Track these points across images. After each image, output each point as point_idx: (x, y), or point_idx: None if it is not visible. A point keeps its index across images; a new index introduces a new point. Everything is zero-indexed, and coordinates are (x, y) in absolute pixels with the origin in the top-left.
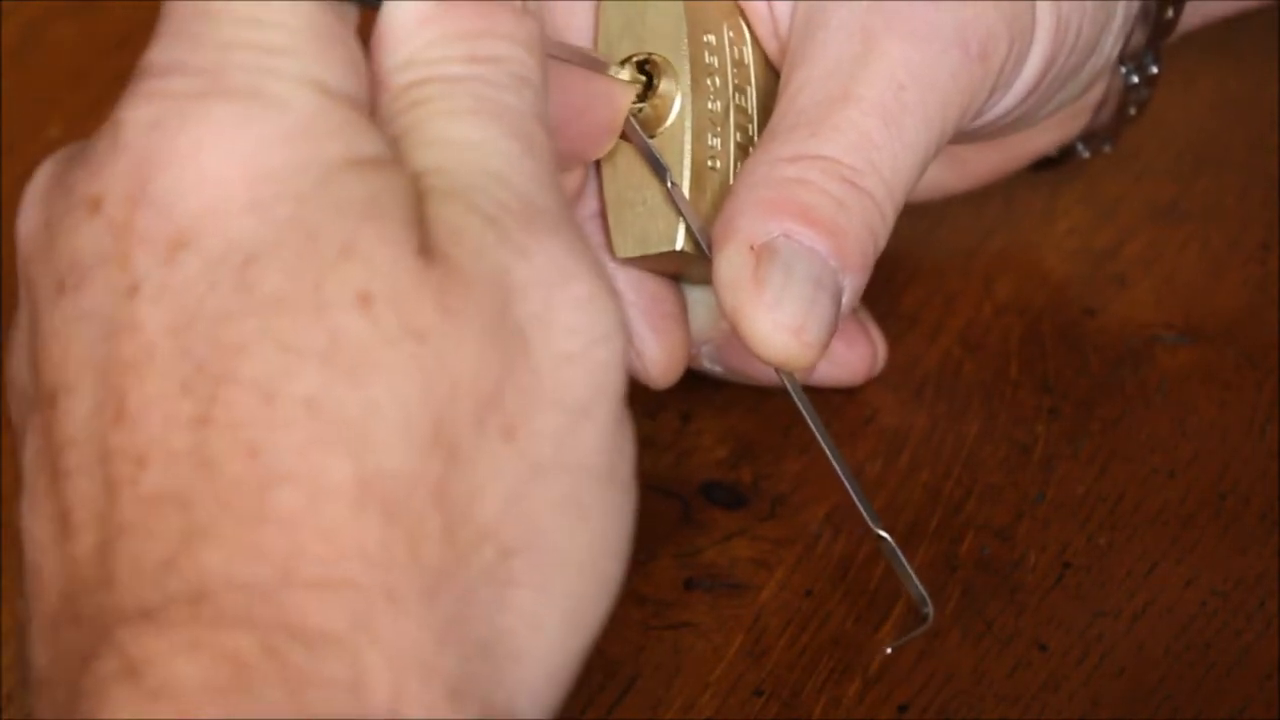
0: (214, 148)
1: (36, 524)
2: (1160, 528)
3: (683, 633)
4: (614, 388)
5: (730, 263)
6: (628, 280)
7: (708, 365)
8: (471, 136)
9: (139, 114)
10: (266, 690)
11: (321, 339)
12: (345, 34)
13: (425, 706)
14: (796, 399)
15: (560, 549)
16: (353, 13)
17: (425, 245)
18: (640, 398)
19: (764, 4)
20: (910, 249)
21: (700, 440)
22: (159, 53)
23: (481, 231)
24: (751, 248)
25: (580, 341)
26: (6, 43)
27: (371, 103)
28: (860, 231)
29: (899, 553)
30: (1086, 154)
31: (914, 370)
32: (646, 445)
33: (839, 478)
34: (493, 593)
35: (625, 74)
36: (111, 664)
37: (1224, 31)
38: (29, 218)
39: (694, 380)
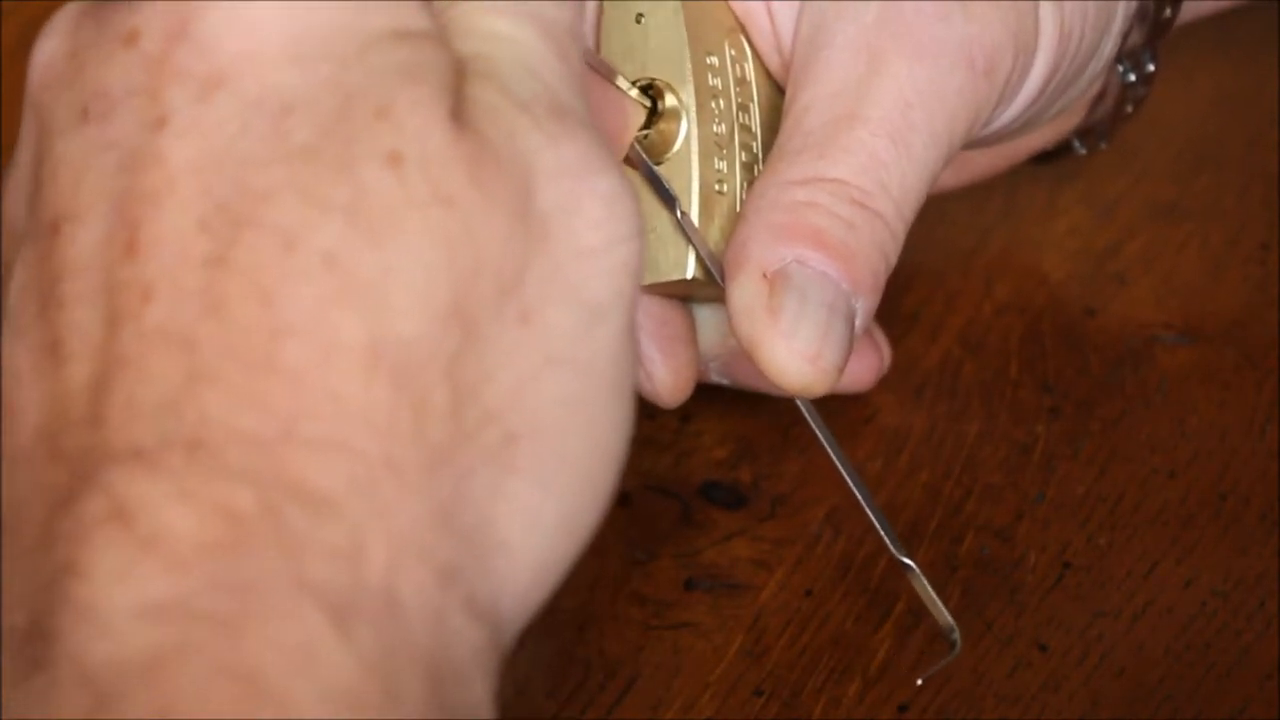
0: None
1: (18, 355)
2: (1160, 528)
3: (683, 633)
4: (629, 293)
5: (744, 291)
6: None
7: (715, 379)
8: (509, 32)
9: None
10: (262, 551)
11: (347, 194)
12: None
13: (417, 585)
14: (812, 422)
15: (563, 446)
16: None
17: (461, 118)
18: (640, 398)
19: (766, 20)
20: (910, 249)
21: (700, 440)
22: None
23: (515, 115)
24: (764, 275)
25: (602, 238)
26: (6, 43)
27: None
28: (871, 253)
29: (924, 581)
30: (1083, 150)
31: (914, 370)
32: (646, 445)
33: (861, 503)
34: (492, 478)
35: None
36: (97, 505)
37: (1223, 29)
38: (50, 47)
39: None
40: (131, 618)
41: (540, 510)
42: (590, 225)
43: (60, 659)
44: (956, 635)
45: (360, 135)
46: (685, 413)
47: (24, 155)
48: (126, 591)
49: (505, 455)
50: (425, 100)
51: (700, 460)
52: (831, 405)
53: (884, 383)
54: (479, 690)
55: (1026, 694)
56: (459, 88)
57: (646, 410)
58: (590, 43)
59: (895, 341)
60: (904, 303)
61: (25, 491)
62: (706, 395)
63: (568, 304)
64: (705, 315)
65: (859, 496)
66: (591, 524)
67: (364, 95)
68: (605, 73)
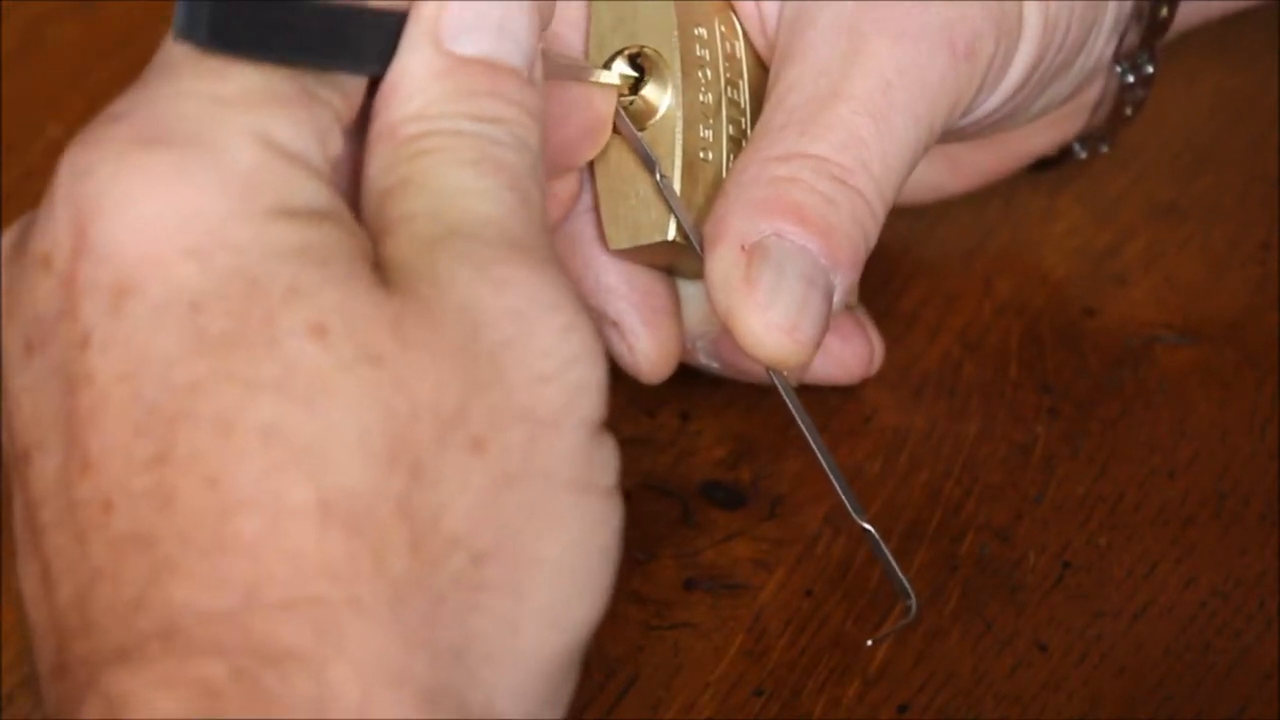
0: (148, 195)
1: (27, 581)
2: (1160, 528)
3: (683, 633)
4: (587, 403)
5: (722, 262)
6: (620, 274)
7: (704, 360)
8: (471, 185)
9: (75, 161)
10: (237, 712)
11: (276, 369)
12: (311, 100)
13: (396, 712)
14: (785, 395)
15: (533, 553)
16: (352, 86)
17: (382, 282)
18: (640, 397)
19: (751, 4)
20: (910, 249)
21: (700, 440)
22: (120, 102)
23: (453, 269)
24: (743, 247)
25: (554, 364)
26: (6, 43)
27: (369, 152)
28: (851, 229)
29: (882, 544)
30: (1084, 154)
31: (914, 370)
32: (646, 445)
33: (822, 465)
34: (464, 597)
35: (617, 67)
36: (95, 707)
37: (1224, 31)
38: None
39: (693, 379)
40: None
41: (521, 617)
42: (541, 354)
43: None
44: (913, 600)
45: (277, 313)
46: (685, 412)
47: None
48: None
49: (476, 575)
50: (333, 276)
51: (700, 460)
52: (830, 404)
53: (884, 383)
54: None
55: (1026, 694)
56: (386, 252)
57: (646, 409)
58: (581, 12)
59: (895, 341)
60: (904, 303)
61: (53, 704)
62: (706, 394)
63: (520, 425)
64: (691, 293)
65: (822, 460)
66: (588, 613)
67: (269, 278)
68: (571, 72)
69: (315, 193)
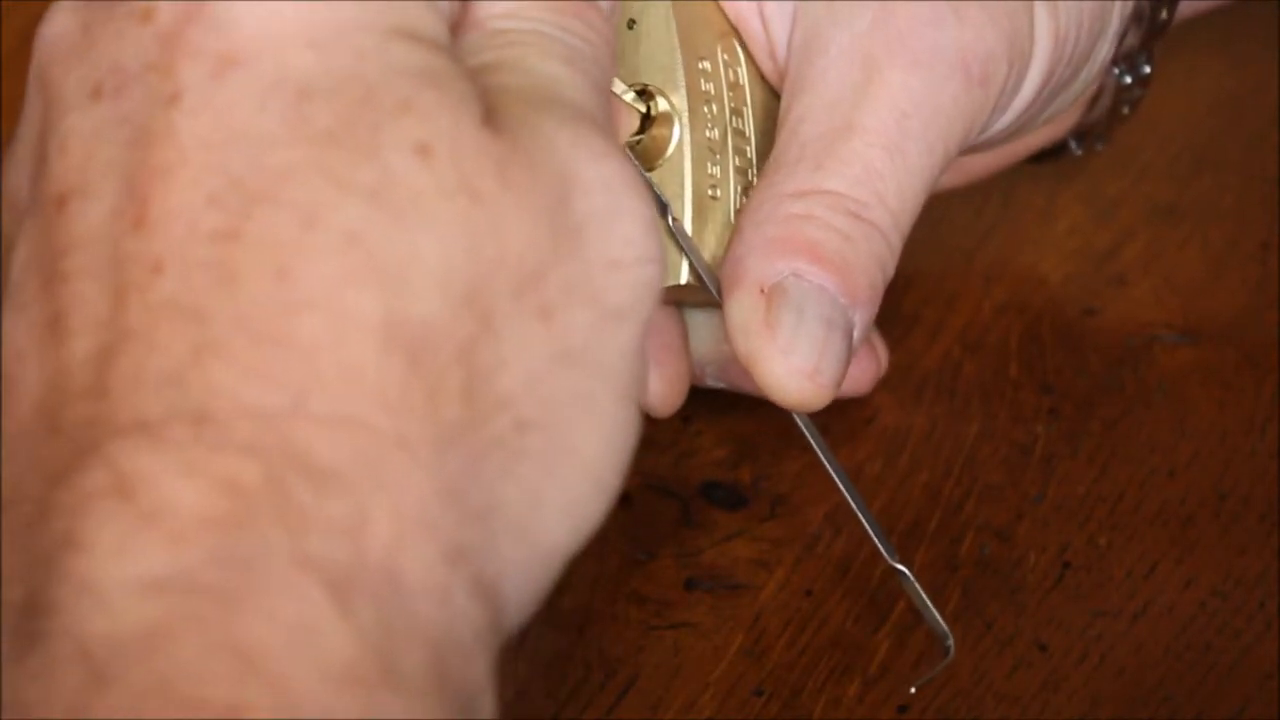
0: None
1: (20, 330)
2: (1160, 528)
3: (683, 633)
4: (648, 306)
5: (741, 307)
6: None
7: (712, 383)
8: (564, 76)
9: None
10: (265, 525)
11: (373, 176)
12: None
13: (422, 564)
14: (807, 433)
15: (572, 439)
16: None
17: (492, 123)
18: None
19: (759, 25)
20: (910, 249)
21: (700, 441)
22: None
23: (555, 130)
24: (761, 290)
25: (631, 253)
26: (6, 43)
27: (454, 40)
28: (868, 265)
29: (918, 586)
30: (1079, 151)
31: (914, 370)
32: (646, 445)
33: (855, 510)
34: (501, 461)
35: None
36: (99, 478)
37: (1223, 31)
38: (60, 21)
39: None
40: (130, 592)
41: (548, 497)
42: (622, 240)
43: (57, 633)
44: (951, 641)
45: (386, 124)
46: (685, 413)
47: (28, 130)
48: (126, 565)
49: (516, 440)
50: (448, 102)
51: (700, 460)
52: (831, 407)
53: (884, 383)
54: (481, 669)
55: (1026, 694)
56: (494, 101)
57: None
58: None
59: (895, 342)
60: (904, 303)
61: (23, 465)
62: (707, 396)
63: (589, 306)
64: (700, 320)
65: (853, 504)
66: (594, 519)
67: (385, 89)
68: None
69: (438, 28)
